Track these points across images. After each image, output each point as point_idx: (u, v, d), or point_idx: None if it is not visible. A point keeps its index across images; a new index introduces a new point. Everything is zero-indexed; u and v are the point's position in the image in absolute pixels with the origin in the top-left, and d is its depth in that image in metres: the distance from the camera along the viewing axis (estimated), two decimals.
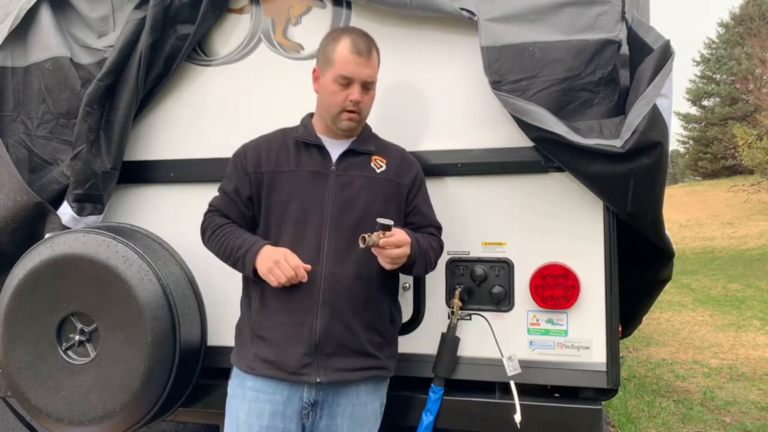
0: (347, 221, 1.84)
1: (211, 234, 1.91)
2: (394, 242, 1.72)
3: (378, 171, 1.92)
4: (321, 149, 1.90)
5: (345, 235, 1.82)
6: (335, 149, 1.91)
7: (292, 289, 1.79)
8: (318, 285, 1.80)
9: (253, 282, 1.88)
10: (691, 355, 6.01)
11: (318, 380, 1.80)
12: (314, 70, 1.93)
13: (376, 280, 1.87)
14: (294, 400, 1.82)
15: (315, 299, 1.81)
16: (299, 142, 1.91)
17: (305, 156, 1.90)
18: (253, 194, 1.90)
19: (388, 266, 1.78)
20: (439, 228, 2.04)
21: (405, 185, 1.96)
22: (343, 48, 1.83)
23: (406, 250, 1.77)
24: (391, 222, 1.72)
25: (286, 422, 1.81)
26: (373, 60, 1.87)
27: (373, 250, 1.73)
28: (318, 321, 1.80)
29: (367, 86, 1.87)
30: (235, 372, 1.91)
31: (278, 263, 1.74)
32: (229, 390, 1.92)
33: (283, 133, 1.97)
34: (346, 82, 1.83)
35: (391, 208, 1.91)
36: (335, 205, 1.85)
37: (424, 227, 1.99)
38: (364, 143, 1.96)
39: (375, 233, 1.69)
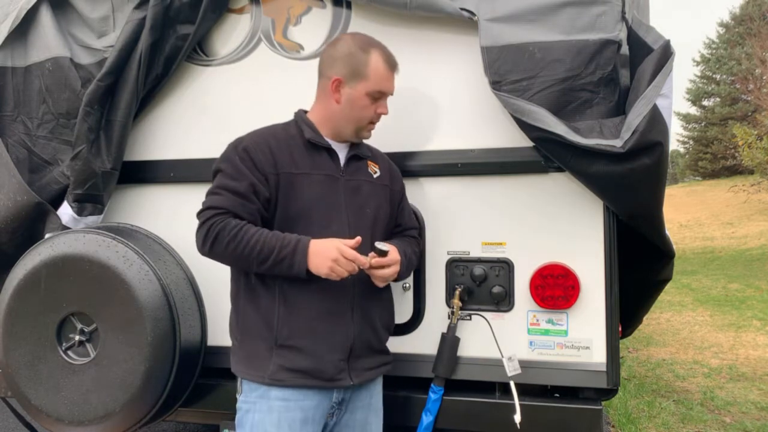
0: (363, 226, 1.87)
1: (231, 237, 1.68)
2: (386, 262, 1.79)
3: (375, 176, 1.96)
4: (330, 152, 1.88)
5: (364, 239, 1.81)
6: (340, 153, 1.91)
7: (324, 295, 1.78)
8: (350, 290, 1.82)
9: (267, 289, 1.79)
10: (691, 355, 6.01)
11: (352, 383, 1.81)
12: (335, 80, 1.83)
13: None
14: (324, 403, 1.81)
15: (347, 304, 1.82)
16: (310, 143, 1.85)
17: (317, 158, 1.85)
18: (272, 195, 1.78)
19: (380, 284, 1.85)
20: (417, 228, 2.12)
21: (396, 191, 2.03)
22: (379, 62, 1.84)
23: (396, 269, 1.83)
24: (387, 248, 1.78)
25: (314, 426, 1.79)
26: None
27: (368, 270, 1.79)
28: (352, 326, 1.82)
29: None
30: (251, 386, 1.79)
31: (338, 261, 1.67)
32: (244, 405, 1.80)
33: (284, 131, 1.88)
34: (380, 97, 1.87)
35: (388, 213, 1.97)
36: (351, 210, 1.85)
37: (408, 229, 2.07)
38: (361, 148, 1.97)
39: (371, 256, 1.76)
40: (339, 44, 1.88)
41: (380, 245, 1.78)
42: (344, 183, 1.87)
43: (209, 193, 1.78)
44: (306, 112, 1.95)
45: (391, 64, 1.88)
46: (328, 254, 1.68)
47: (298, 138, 1.85)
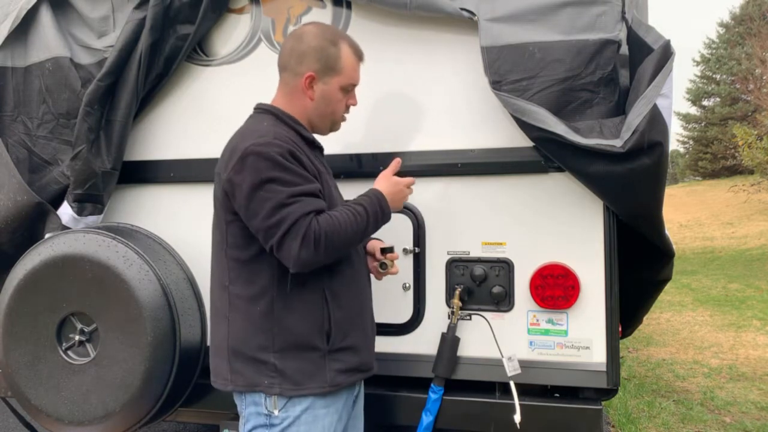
0: None
1: (335, 230, 1.60)
2: (397, 255, 1.92)
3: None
4: (321, 150, 1.90)
5: None
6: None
7: (359, 288, 1.83)
8: (368, 281, 1.90)
9: (311, 294, 1.70)
10: (691, 355, 6.00)
11: (375, 367, 1.89)
12: (310, 77, 1.75)
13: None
14: (349, 400, 1.83)
15: (370, 295, 1.90)
16: (310, 142, 1.81)
17: (319, 157, 1.85)
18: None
19: (380, 277, 1.95)
20: None
21: None
22: (348, 55, 1.78)
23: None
24: (391, 244, 1.91)
25: (342, 423, 1.81)
26: None
27: (380, 273, 1.91)
28: (372, 314, 1.90)
29: None
30: (295, 400, 1.68)
31: (405, 192, 1.85)
32: (285, 422, 1.68)
33: (283, 131, 1.73)
34: (352, 89, 1.85)
35: None
36: None
37: None
38: None
39: (386, 257, 1.89)
40: (305, 37, 1.77)
41: (384, 244, 1.91)
42: (332, 179, 1.89)
43: (281, 206, 1.57)
44: (270, 105, 1.83)
45: (359, 55, 1.83)
46: (400, 194, 1.83)
47: (298, 137, 1.77)
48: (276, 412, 1.68)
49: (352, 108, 1.89)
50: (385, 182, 1.81)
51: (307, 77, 1.75)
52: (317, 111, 1.80)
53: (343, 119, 1.89)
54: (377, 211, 1.73)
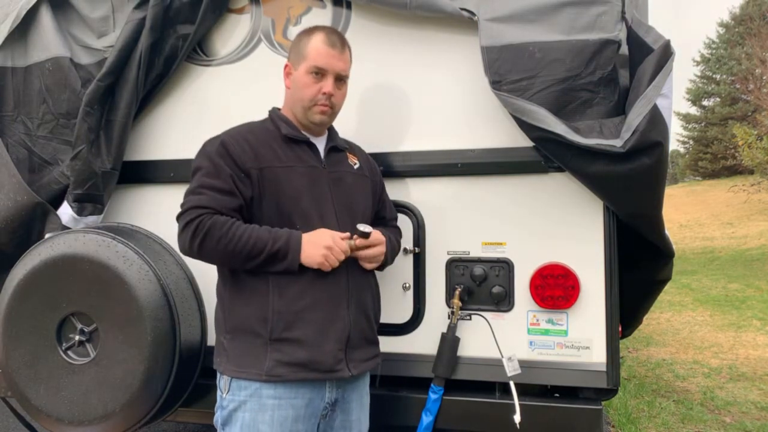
0: (351, 215, 1.88)
1: (222, 233, 1.68)
2: (370, 243, 1.82)
3: (355, 168, 1.98)
4: (310, 145, 1.89)
5: (351, 230, 1.85)
6: (319, 145, 1.92)
7: (319, 284, 1.76)
8: (344, 279, 1.81)
9: (259, 283, 1.75)
10: (691, 355, 6.01)
11: (350, 374, 1.79)
12: (286, 66, 1.91)
13: (375, 271, 1.96)
14: (315, 401, 1.78)
15: (343, 293, 1.81)
16: (288, 138, 1.85)
17: (298, 152, 1.86)
18: (254, 192, 1.77)
19: (368, 266, 1.88)
20: (397, 219, 2.18)
21: (376, 182, 2.06)
22: (317, 41, 1.84)
23: (381, 249, 1.87)
24: (370, 229, 1.82)
25: (306, 425, 1.77)
26: (346, 54, 1.89)
27: (353, 253, 1.81)
28: (348, 315, 1.80)
29: (340, 80, 1.88)
30: (240, 384, 1.75)
31: (332, 249, 1.71)
32: (231, 403, 1.76)
33: (261, 127, 1.88)
34: (320, 74, 1.83)
35: (371, 204, 1.99)
36: (337, 202, 1.86)
37: (390, 219, 2.12)
38: (338, 140, 1.98)
39: (354, 238, 1.80)
40: (295, 37, 1.94)
41: (362, 227, 1.81)
42: (327, 175, 1.87)
43: (189, 193, 1.77)
44: (279, 109, 1.96)
45: (330, 42, 1.84)
46: (322, 242, 1.71)
47: (276, 133, 1.86)
48: (224, 395, 1.79)
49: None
50: (318, 232, 1.75)
51: (285, 67, 1.91)
52: (293, 99, 1.89)
53: (324, 109, 1.84)
54: (280, 248, 1.70)
